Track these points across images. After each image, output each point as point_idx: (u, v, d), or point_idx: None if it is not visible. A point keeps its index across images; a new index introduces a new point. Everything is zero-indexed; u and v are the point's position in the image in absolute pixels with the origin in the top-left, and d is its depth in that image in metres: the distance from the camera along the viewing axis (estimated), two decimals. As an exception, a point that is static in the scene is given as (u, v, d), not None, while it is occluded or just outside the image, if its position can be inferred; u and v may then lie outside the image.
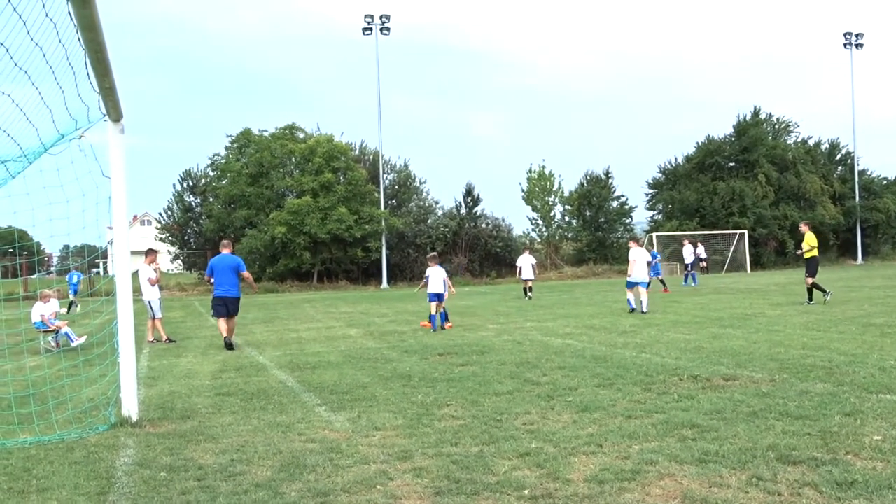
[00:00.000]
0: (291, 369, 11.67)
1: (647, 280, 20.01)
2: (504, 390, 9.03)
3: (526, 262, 28.96)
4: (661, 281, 28.17)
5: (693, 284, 31.80)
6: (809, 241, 20.00)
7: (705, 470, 5.55)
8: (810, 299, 19.48)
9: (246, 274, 15.35)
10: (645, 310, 18.85)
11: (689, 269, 33.34)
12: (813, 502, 4.81)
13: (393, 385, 9.78)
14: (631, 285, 19.65)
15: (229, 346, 14.83)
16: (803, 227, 20.78)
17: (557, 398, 8.43)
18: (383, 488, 5.47)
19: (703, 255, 40.17)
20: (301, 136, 48.66)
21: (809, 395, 7.99)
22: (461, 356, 12.23)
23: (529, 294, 27.70)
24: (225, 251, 15.41)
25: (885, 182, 59.20)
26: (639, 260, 19.63)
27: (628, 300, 19.66)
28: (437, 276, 17.00)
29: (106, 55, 6.03)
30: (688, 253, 33.77)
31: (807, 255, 19.93)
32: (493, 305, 24.76)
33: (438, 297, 16.90)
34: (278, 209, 44.64)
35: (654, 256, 26.48)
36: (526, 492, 5.24)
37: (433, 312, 16.95)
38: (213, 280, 15.26)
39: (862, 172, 57.82)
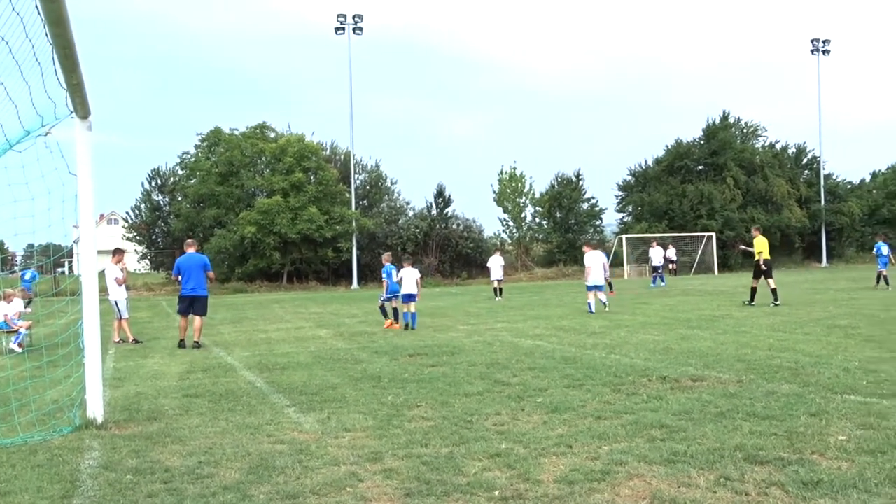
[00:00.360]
0: (260, 370, 11.58)
1: (605, 283, 20.72)
2: (474, 391, 9.03)
3: (496, 264, 29.10)
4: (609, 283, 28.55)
5: (662, 285, 32.10)
6: (760, 245, 20.71)
7: (674, 470, 5.59)
8: (775, 299, 19.88)
9: (211, 274, 15.71)
10: (604, 301, 20.09)
11: (657, 271, 33.66)
12: (780, 502, 4.85)
13: (363, 386, 9.74)
14: (590, 288, 20.24)
15: (182, 345, 15.01)
16: (754, 232, 21.77)
17: (527, 399, 8.45)
18: (353, 490, 5.43)
19: (674, 258, 40.68)
20: (272, 135, 48.38)
21: (776, 395, 8.08)
22: (431, 357, 12.22)
23: (499, 296, 27.79)
24: (190, 250, 15.49)
25: (849, 186, 60.09)
26: (594, 264, 20.35)
27: (588, 304, 20.06)
28: (410, 277, 17.23)
29: (74, 51, 5.94)
30: (656, 255, 34.10)
31: (758, 258, 20.65)
32: (463, 306, 24.77)
33: (410, 298, 17.12)
34: (248, 209, 44.33)
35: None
36: (496, 493, 5.24)
37: (404, 311, 17.27)
38: (180, 279, 15.32)
39: (828, 176, 58.63)
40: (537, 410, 7.84)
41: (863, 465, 5.49)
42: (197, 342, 14.98)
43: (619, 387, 8.97)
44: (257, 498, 5.32)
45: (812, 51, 57.32)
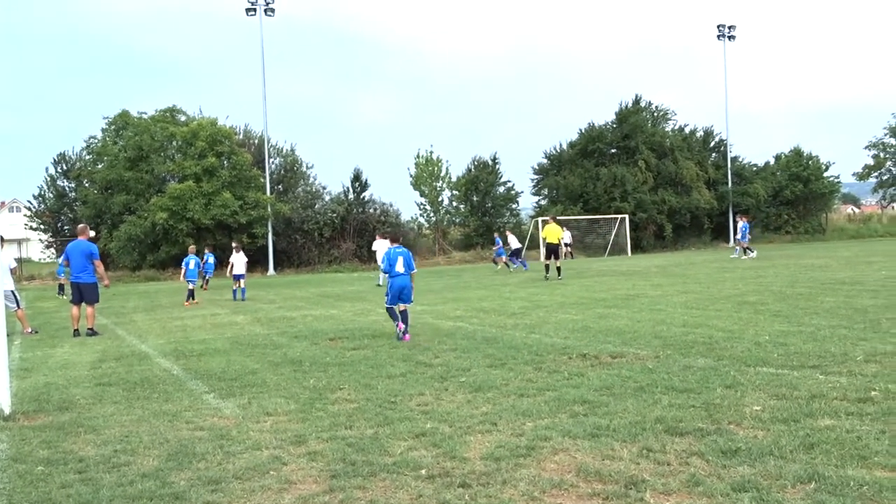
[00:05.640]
0: (176, 357, 11.29)
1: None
2: (397, 373, 8.99)
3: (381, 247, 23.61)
4: (506, 264, 33.75)
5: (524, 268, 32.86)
6: (546, 231, 25.72)
7: (597, 444, 5.66)
8: (559, 275, 24.72)
9: (97, 262, 15.25)
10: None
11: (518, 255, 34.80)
12: (701, 470, 4.96)
13: (283, 370, 9.59)
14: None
15: (76, 333, 14.76)
16: (549, 218, 27.14)
17: (451, 379, 8.45)
18: (277, 473, 5.33)
19: (568, 241, 41.32)
20: (182, 118, 47.16)
21: (692, 369, 8.28)
22: (352, 340, 12.12)
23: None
24: (82, 237, 15.33)
25: (755, 168, 62.02)
26: (380, 249, 23.77)
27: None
28: (239, 261, 23.57)
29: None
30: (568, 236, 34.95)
31: (548, 242, 25.75)
32: (381, 290, 24.62)
33: (240, 277, 23.15)
34: (159, 194, 43.13)
35: (497, 242, 35.79)
36: (423, 471, 5.21)
37: (234, 287, 23.21)
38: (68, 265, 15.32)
39: (734, 159, 60.43)
40: (461, 390, 7.85)
41: (778, 433, 5.66)
42: (91, 329, 14.88)
43: (541, 365, 9.06)
44: (178, 484, 5.16)
45: (718, 36, 58.95)
